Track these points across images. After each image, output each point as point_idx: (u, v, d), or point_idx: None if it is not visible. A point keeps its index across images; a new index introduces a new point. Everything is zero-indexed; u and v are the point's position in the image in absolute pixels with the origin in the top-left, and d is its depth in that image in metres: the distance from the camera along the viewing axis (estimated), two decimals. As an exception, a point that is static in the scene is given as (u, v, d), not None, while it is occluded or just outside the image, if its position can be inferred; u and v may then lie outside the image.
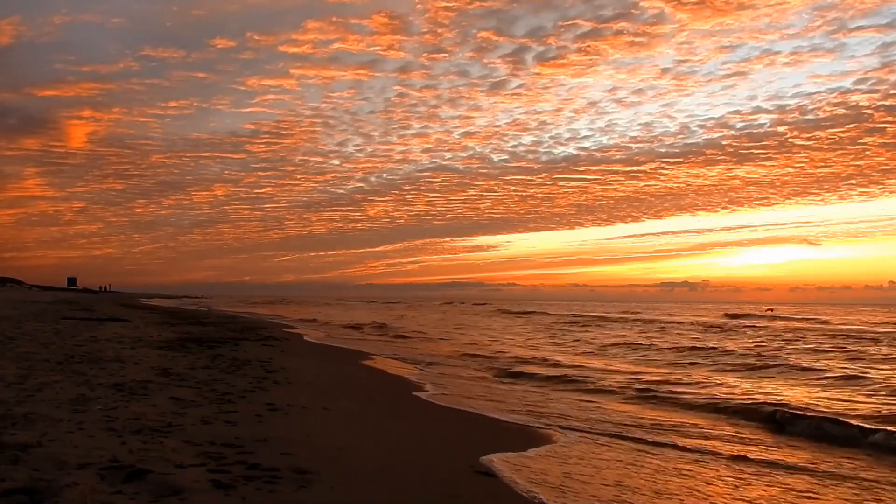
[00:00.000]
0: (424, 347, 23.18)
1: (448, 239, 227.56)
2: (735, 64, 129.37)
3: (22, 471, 4.72)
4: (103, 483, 4.65)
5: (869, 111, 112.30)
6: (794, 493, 6.41)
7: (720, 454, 7.89)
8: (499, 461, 6.93)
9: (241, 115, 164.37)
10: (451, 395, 11.76)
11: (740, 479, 6.79)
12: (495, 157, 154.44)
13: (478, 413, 10.14)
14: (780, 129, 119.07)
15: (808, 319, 48.78)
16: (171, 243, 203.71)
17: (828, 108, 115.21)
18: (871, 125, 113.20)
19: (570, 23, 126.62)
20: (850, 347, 23.70)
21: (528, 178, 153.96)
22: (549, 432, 8.83)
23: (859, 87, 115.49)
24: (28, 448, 5.33)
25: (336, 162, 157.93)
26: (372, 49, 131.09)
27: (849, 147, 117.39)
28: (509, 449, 7.72)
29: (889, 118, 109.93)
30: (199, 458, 5.53)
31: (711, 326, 39.30)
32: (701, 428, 9.54)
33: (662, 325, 41.29)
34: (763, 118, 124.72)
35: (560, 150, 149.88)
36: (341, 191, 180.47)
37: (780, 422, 9.75)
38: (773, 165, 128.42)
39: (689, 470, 7.08)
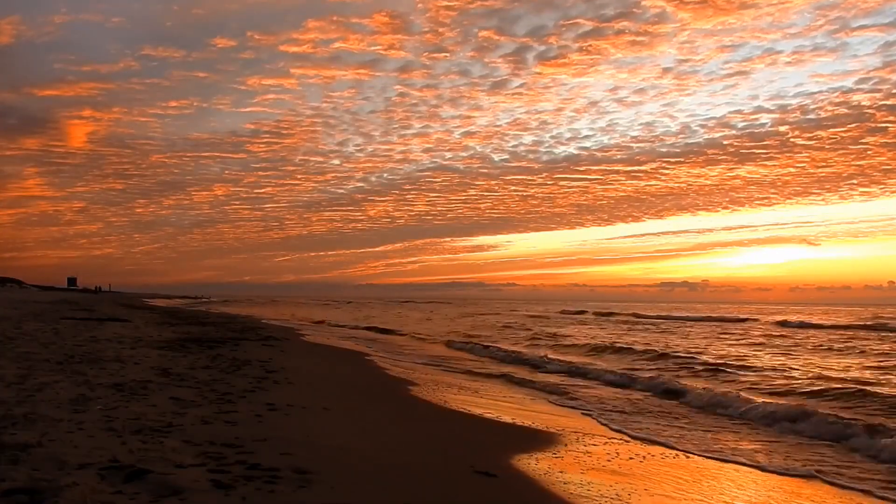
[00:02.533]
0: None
1: (448, 239, 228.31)
2: (737, 63, 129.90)
3: (22, 471, 4.72)
4: (103, 483, 4.64)
5: (871, 111, 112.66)
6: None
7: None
8: (501, 460, 6.93)
9: (242, 115, 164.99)
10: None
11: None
12: (496, 157, 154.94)
13: (479, 413, 10.14)
14: (782, 128, 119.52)
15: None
16: (171, 243, 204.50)
17: (829, 108, 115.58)
18: (873, 125, 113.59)
19: (571, 22, 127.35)
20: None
21: (529, 177, 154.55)
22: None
23: (861, 86, 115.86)
24: (28, 448, 5.33)
25: (336, 162, 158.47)
26: (373, 48, 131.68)
27: (850, 147, 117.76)
28: (511, 449, 7.72)
29: (891, 118, 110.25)
30: (199, 458, 5.52)
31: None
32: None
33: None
34: (764, 118, 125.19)
35: (561, 150, 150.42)
36: (341, 191, 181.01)
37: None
38: (774, 165, 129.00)
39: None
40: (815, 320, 47.70)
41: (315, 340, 24.48)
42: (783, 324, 42.81)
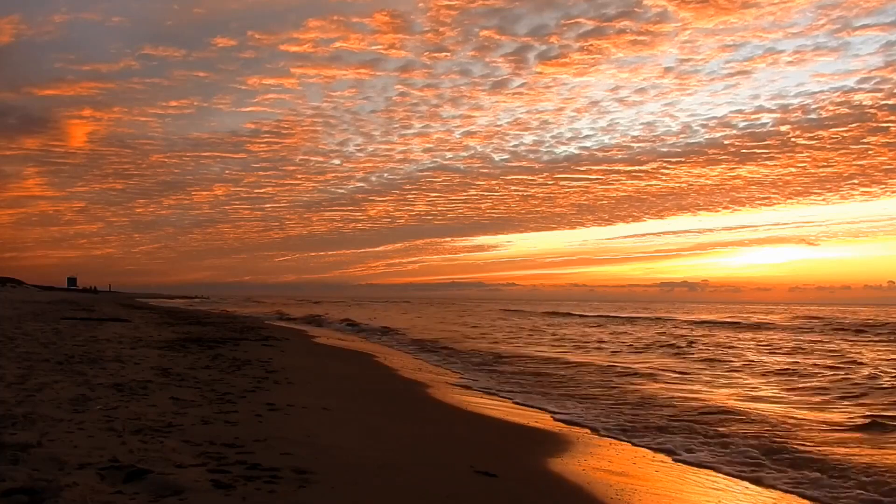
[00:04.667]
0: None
1: (448, 239, 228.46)
2: (738, 63, 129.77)
3: (22, 471, 4.71)
4: (103, 483, 4.64)
5: (872, 110, 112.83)
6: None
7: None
8: (502, 460, 6.92)
9: (242, 115, 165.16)
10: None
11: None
12: (496, 157, 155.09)
13: (481, 412, 10.14)
14: (783, 128, 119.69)
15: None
16: (171, 243, 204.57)
17: (831, 108, 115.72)
18: (875, 124, 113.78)
19: (572, 21, 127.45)
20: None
21: (530, 177, 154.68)
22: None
23: (863, 86, 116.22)
24: (28, 448, 5.32)
25: (337, 161, 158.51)
26: (373, 48, 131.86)
27: (851, 147, 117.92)
28: (512, 448, 7.72)
29: (892, 117, 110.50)
30: (199, 458, 5.52)
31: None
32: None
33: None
34: (766, 117, 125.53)
35: (561, 150, 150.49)
36: (342, 190, 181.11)
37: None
38: (775, 165, 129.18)
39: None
40: (742, 320, 48.87)
41: (317, 341, 24.48)
42: (700, 323, 44.59)
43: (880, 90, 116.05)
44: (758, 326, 39.73)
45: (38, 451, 5.28)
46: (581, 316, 58.58)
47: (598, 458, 7.52)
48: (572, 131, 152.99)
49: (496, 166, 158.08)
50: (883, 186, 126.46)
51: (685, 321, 47.20)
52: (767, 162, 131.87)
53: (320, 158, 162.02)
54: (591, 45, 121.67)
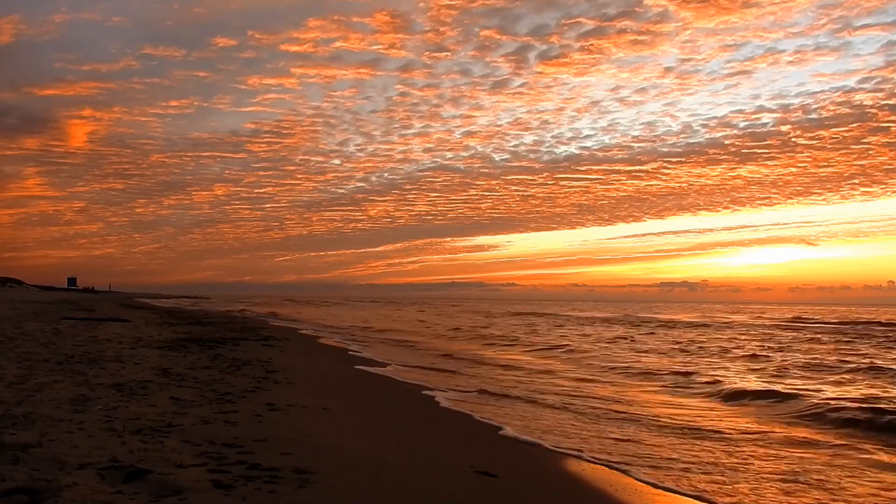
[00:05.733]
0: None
1: (449, 239, 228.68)
2: (739, 63, 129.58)
3: (22, 471, 4.71)
4: (103, 483, 4.64)
5: (873, 110, 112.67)
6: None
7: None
8: (501, 460, 6.92)
9: (242, 115, 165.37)
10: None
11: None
12: (497, 157, 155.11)
13: (482, 415, 10.13)
14: (784, 128, 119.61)
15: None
16: (171, 243, 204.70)
17: (831, 108, 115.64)
18: (875, 124, 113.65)
19: (573, 21, 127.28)
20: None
21: (530, 177, 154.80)
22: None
23: (863, 86, 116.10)
24: (28, 448, 5.33)
25: (337, 161, 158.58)
26: (374, 48, 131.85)
27: (852, 146, 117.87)
28: (511, 448, 7.71)
29: (893, 118, 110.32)
30: (199, 458, 5.52)
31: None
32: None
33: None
34: (766, 117, 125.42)
35: (562, 150, 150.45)
36: (342, 190, 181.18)
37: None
38: (775, 165, 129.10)
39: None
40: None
41: (318, 341, 24.48)
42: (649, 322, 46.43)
43: (881, 90, 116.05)
44: (704, 325, 42.28)
45: (38, 451, 5.28)
46: (555, 315, 59.26)
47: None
48: (573, 131, 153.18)
49: (496, 166, 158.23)
50: (883, 186, 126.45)
51: (668, 321, 47.70)
52: (768, 162, 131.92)
53: (320, 158, 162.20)
54: (592, 44, 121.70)
